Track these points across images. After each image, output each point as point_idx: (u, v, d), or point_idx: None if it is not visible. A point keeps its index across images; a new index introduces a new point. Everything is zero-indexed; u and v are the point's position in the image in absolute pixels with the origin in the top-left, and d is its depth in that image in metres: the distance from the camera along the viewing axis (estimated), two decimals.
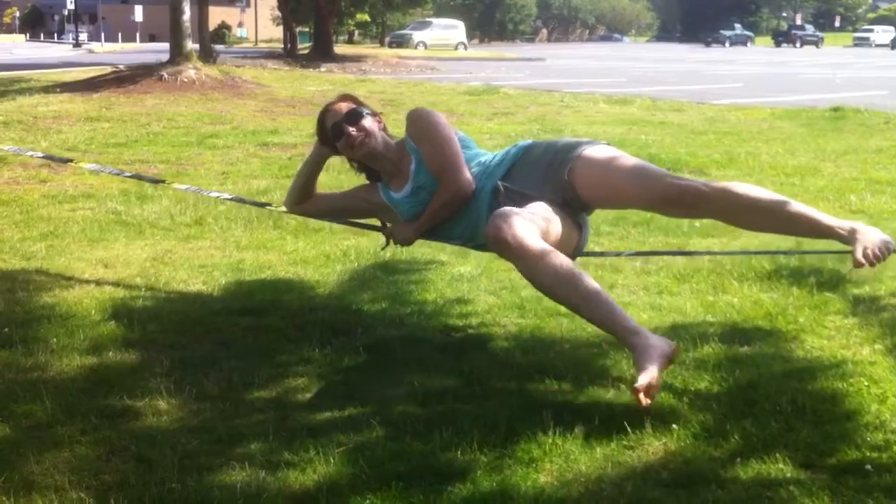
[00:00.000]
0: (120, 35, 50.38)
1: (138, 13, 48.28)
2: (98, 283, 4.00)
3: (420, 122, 3.27)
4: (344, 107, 3.44)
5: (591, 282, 2.77)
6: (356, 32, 53.54)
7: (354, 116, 3.39)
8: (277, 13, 43.31)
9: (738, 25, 69.62)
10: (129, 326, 3.41)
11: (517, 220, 2.82)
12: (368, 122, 3.39)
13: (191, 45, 16.11)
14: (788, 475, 2.28)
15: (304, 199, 3.56)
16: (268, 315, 3.54)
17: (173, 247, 4.68)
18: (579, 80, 20.91)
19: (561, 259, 2.78)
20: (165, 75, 14.46)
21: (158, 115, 10.87)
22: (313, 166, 3.54)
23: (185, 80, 14.34)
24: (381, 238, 3.48)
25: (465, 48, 48.66)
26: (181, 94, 12.85)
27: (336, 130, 3.38)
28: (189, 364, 3.02)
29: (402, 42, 46.55)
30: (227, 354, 3.14)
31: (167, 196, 5.85)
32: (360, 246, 4.57)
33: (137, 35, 51.71)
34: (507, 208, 2.91)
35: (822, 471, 2.30)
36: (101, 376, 2.92)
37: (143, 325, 3.43)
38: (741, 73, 26.04)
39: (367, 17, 47.78)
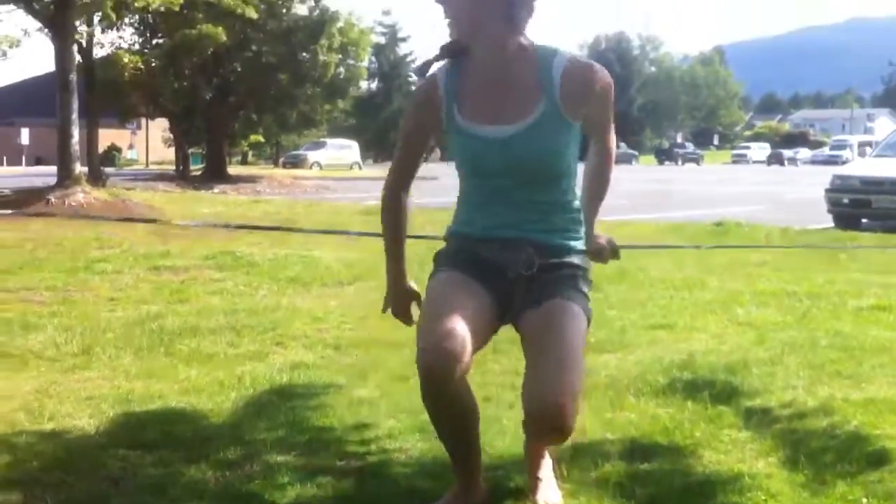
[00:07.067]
0: (5, 159, 49.34)
1: (24, 136, 47.48)
2: None
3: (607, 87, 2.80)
4: None
5: None
6: (250, 153, 53.84)
7: None
8: (169, 134, 43.30)
9: (623, 144, 72.60)
10: (11, 465, 3.23)
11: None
12: None
13: (79, 168, 15.92)
14: None
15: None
16: (158, 448, 3.39)
17: (58, 378, 4.49)
18: None
19: None
20: (53, 199, 14.21)
21: (45, 240, 10.58)
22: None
23: (74, 203, 14.12)
24: None
25: (360, 168, 49.35)
26: (69, 219, 12.59)
27: None
28: (75, 503, 2.87)
29: (296, 162, 46.96)
30: (115, 492, 2.99)
31: (52, 325, 5.65)
32: (256, 371, 4.47)
33: (23, 158, 50.74)
34: None
35: None
36: None
37: (26, 463, 3.25)
38: (626, 189, 26.96)
39: (260, 138, 48.15)
